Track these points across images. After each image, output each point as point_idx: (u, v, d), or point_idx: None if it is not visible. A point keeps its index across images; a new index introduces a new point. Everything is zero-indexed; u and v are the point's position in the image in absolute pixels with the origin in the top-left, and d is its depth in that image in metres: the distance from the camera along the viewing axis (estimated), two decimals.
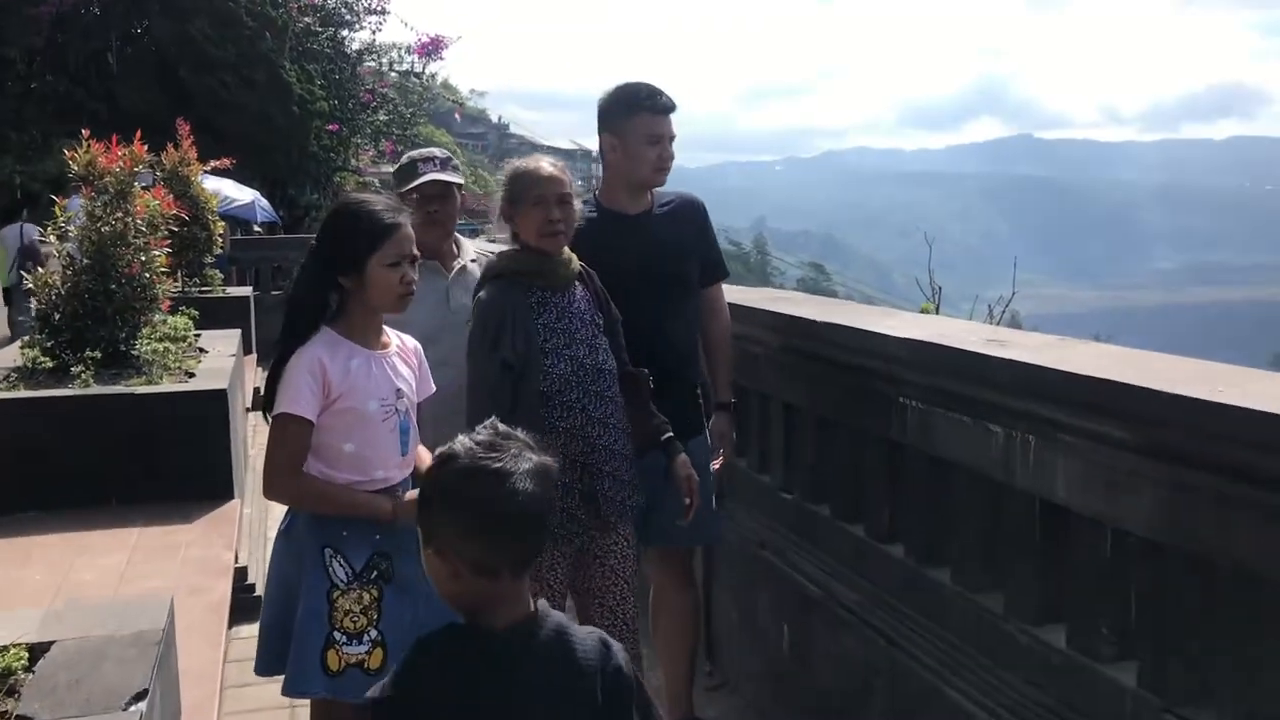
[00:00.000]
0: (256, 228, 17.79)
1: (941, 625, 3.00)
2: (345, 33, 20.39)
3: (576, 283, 3.13)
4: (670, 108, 3.46)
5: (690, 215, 3.63)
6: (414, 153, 3.68)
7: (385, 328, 2.79)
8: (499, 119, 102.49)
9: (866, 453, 3.42)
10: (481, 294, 3.06)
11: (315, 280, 2.66)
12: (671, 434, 3.20)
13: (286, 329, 2.64)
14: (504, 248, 3.36)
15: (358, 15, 20.12)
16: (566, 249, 3.08)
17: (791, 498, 3.90)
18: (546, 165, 3.08)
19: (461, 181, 3.68)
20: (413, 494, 2.49)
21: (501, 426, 1.68)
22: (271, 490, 2.63)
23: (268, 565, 2.85)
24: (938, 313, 12.86)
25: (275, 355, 2.67)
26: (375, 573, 2.67)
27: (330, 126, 19.20)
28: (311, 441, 2.61)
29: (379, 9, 19.94)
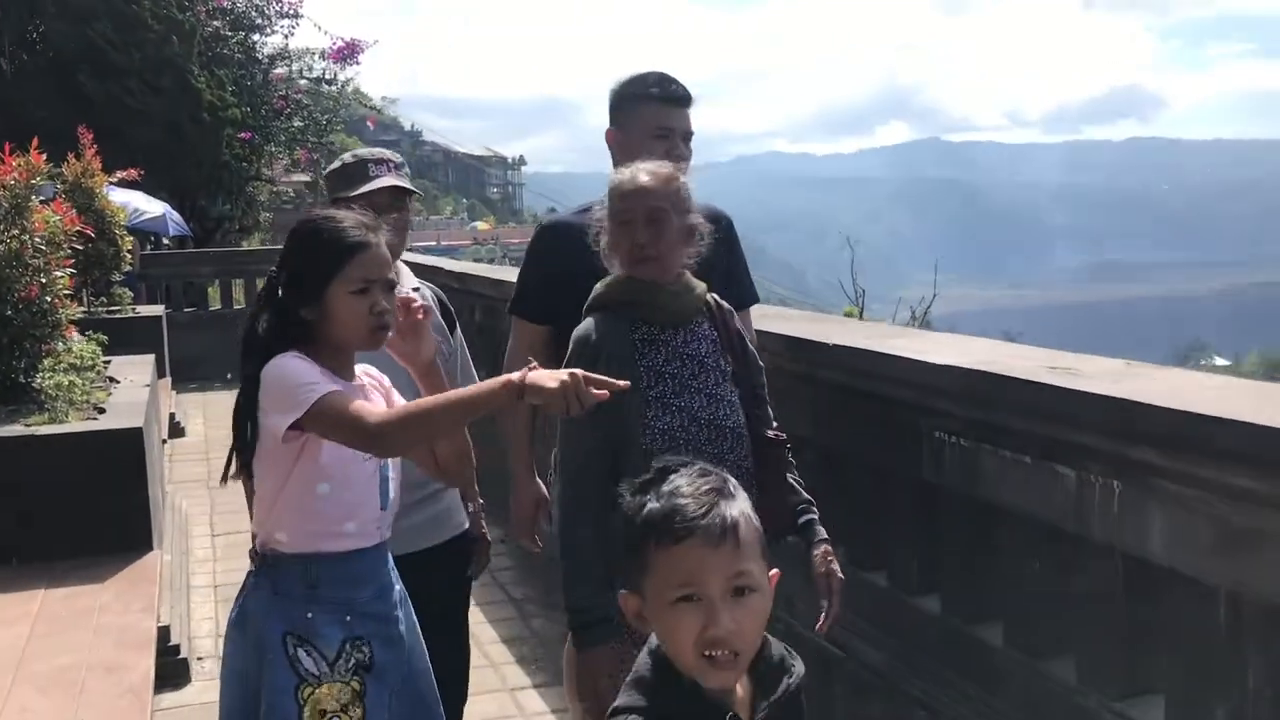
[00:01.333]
0: (166, 241, 16.94)
1: (991, 693, 2.62)
2: (256, 37, 19.60)
3: (703, 318, 2.58)
4: (683, 98, 3.00)
5: (713, 228, 3.17)
6: (361, 151, 3.01)
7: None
8: (411, 126, 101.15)
9: (890, 493, 3.03)
10: (577, 330, 2.51)
11: (273, 313, 2.18)
12: (814, 517, 2.58)
13: (245, 371, 2.16)
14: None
15: (269, 19, 19.34)
16: (690, 276, 2.55)
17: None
18: (642, 174, 2.50)
19: (418, 192, 3.07)
20: (539, 370, 1.92)
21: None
22: (388, 444, 2.06)
23: (206, 635, 2.34)
24: (861, 315, 12.65)
25: (237, 403, 2.19)
26: (353, 661, 2.19)
27: (242, 135, 18.40)
28: (279, 473, 2.14)
29: (291, 12, 19.20)
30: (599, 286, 2.56)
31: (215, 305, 13.93)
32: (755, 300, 3.27)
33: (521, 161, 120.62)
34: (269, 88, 19.53)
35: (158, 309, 10.69)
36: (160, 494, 5.90)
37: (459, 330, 3.11)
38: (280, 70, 19.92)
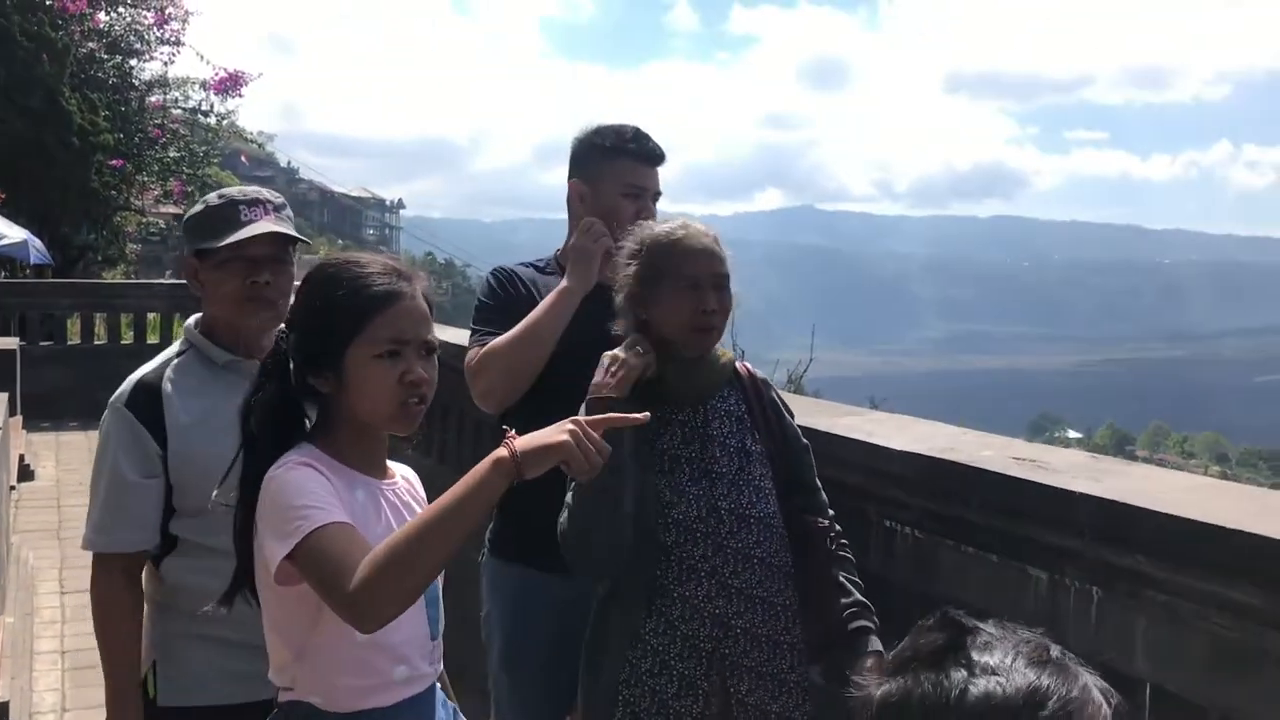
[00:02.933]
0: (25, 269, 15.96)
1: None
2: (134, 62, 18.78)
3: (729, 391, 2.31)
4: (658, 157, 2.80)
5: None
6: (230, 190, 2.39)
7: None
8: (288, 163, 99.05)
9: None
10: (584, 406, 2.17)
11: (282, 381, 1.76)
12: (869, 625, 2.20)
13: (247, 454, 1.74)
14: None
15: (149, 44, 18.57)
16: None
17: None
18: (700, 231, 2.24)
19: (305, 240, 2.47)
20: (525, 436, 1.54)
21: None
22: (369, 614, 1.53)
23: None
24: None
25: (235, 514, 1.75)
26: None
27: (114, 161, 17.53)
28: (301, 614, 1.67)
29: (173, 39, 18.48)
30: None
31: (74, 339, 13.12)
32: None
33: (400, 204, 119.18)
34: (145, 115, 18.72)
35: (11, 341, 9.97)
36: (4, 548, 5.37)
37: None
38: (156, 98, 19.13)
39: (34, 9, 16.42)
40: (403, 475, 1.89)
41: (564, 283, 2.63)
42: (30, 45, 15.96)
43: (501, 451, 1.52)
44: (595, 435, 1.54)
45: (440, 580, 1.77)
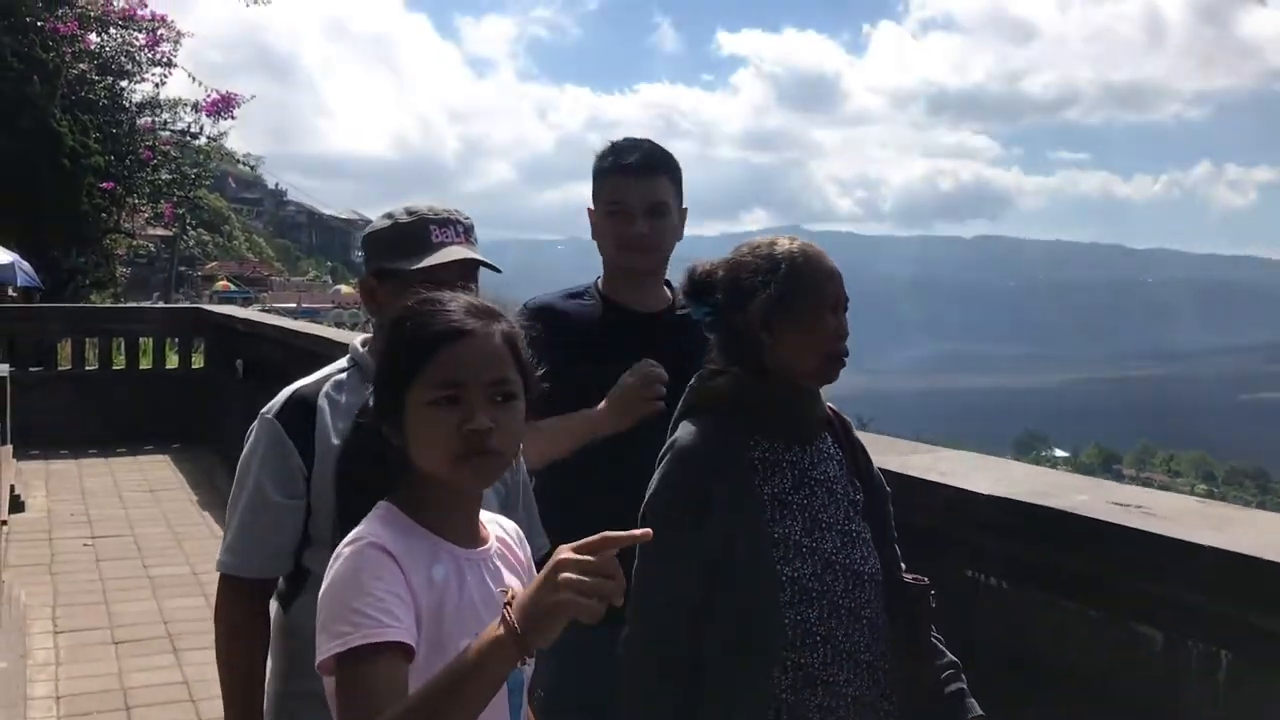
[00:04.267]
0: (12, 293, 15.69)
1: None
2: (125, 84, 18.56)
3: (826, 432, 2.08)
4: (635, 168, 2.57)
5: (695, 328, 2.68)
6: (420, 206, 2.14)
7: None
8: (276, 185, 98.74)
9: None
10: (678, 435, 1.98)
11: (360, 433, 1.59)
12: (963, 686, 2.03)
13: (341, 514, 1.55)
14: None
15: (140, 66, 18.36)
16: None
17: None
18: (825, 252, 2.04)
19: (494, 268, 2.18)
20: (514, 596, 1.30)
21: None
22: None
23: None
24: None
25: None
26: None
27: (104, 184, 17.30)
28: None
29: (165, 60, 18.27)
30: (699, 381, 2.04)
31: (65, 365, 12.86)
32: None
33: None
34: (135, 136, 18.50)
35: (1, 368, 9.73)
36: None
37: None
38: (146, 119, 18.93)
39: (25, 30, 16.24)
40: (499, 536, 1.65)
41: (599, 415, 2.43)
42: (21, 67, 15.76)
43: (498, 631, 1.26)
44: (594, 565, 1.26)
45: (532, 660, 1.51)
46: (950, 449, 2.91)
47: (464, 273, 2.05)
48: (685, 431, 1.98)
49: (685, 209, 2.70)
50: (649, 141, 2.65)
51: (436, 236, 2.09)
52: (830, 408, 2.12)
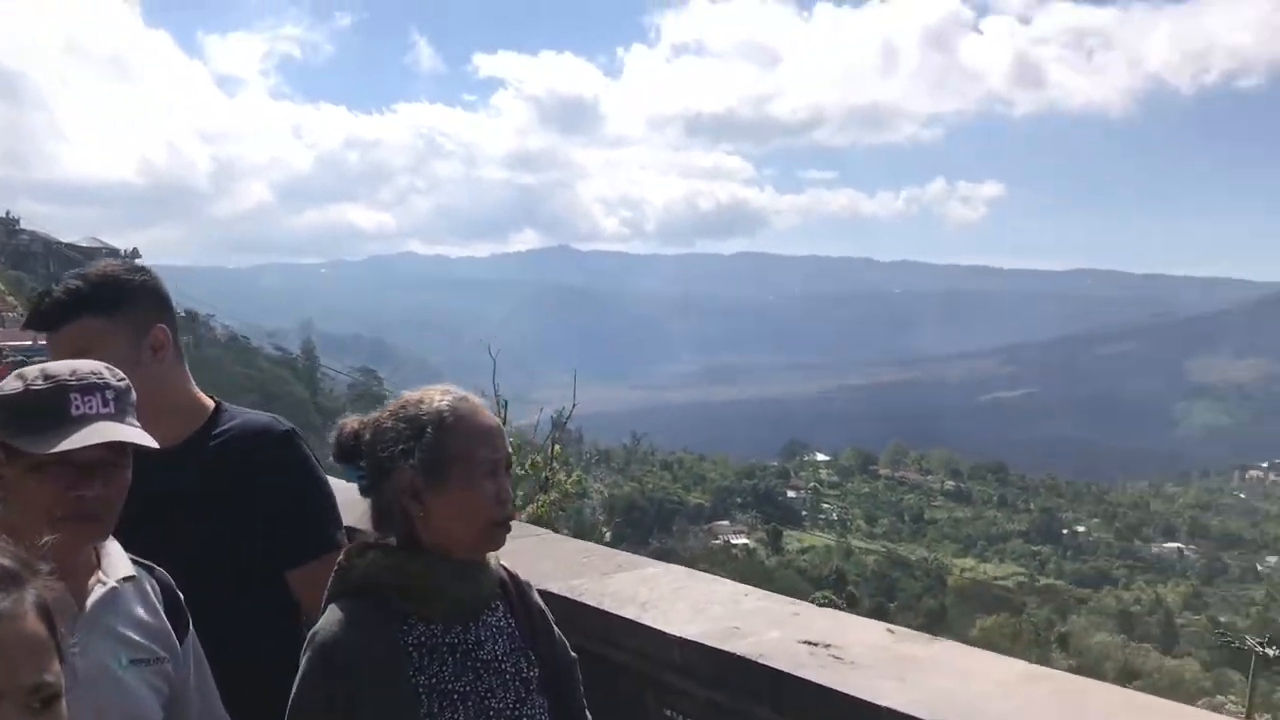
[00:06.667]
0: None
1: None
2: None
3: (497, 602, 1.88)
4: (44, 321, 2.16)
5: (252, 451, 2.22)
6: (57, 367, 1.76)
7: None
8: (7, 213, 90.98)
9: None
10: (319, 625, 1.77)
11: None
12: None
13: None
14: None
15: None
16: None
17: None
18: (481, 404, 1.87)
19: (150, 444, 1.77)
20: None
21: None
22: None
23: None
24: (505, 423, 12.32)
25: None
26: None
27: None
28: None
29: None
30: (346, 558, 1.83)
31: None
32: (332, 545, 2.17)
33: (135, 254, 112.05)
34: None
35: None
36: None
37: (192, 636, 1.91)
38: None
39: None
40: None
41: None
42: None
43: None
44: None
45: None
46: (656, 563, 2.79)
47: (111, 455, 1.74)
48: (327, 620, 1.75)
49: (162, 326, 2.23)
50: (71, 278, 2.21)
51: (77, 408, 1.72)
52: (504, 570, 1.93)
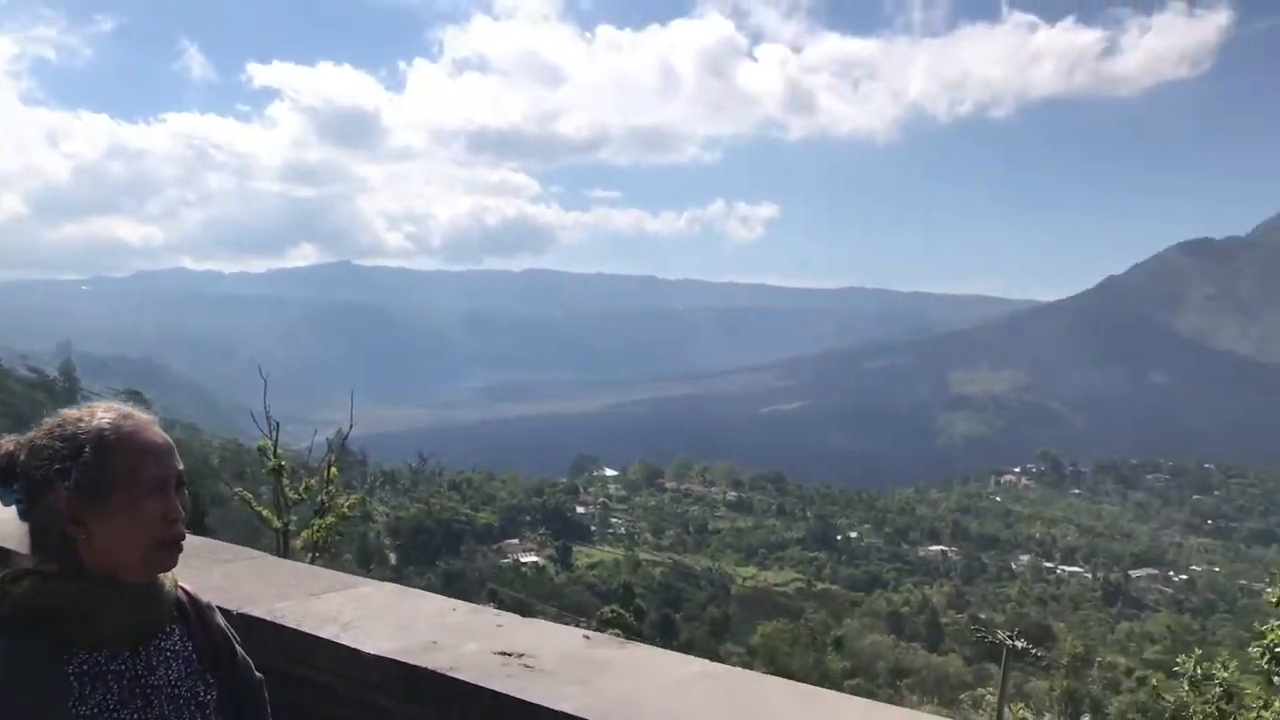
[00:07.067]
0: None
1: None
2: None
3: (172, 625, 1.82)
4: None
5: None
6: None
7: None
8: None
9: None
10: None
11: None
12: None
13: None
14: None
15: None
16: None
17: None
18: (150, 419, 1.79)
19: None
20: None
21: None
22: None
23: None
24: (276, 447, 11.92)
25: None
26: None
27: None
28: None
29: None
30: (0, 586, 1.72)
31: None
32: None
33: None
34: None
35: None
36: None
37: None
38: None
39: None
40: None
41: None
42: None
43: None
44: None
45: None
46: (371, 582, 2.78)
47: None
48: None
49: None
50: None
51: None
52: (184, 591, 1.89)
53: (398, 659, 2.16)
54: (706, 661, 2.11)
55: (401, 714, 2.23)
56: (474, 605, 2.55)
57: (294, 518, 11.20)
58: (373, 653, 2.20)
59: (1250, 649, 8.33)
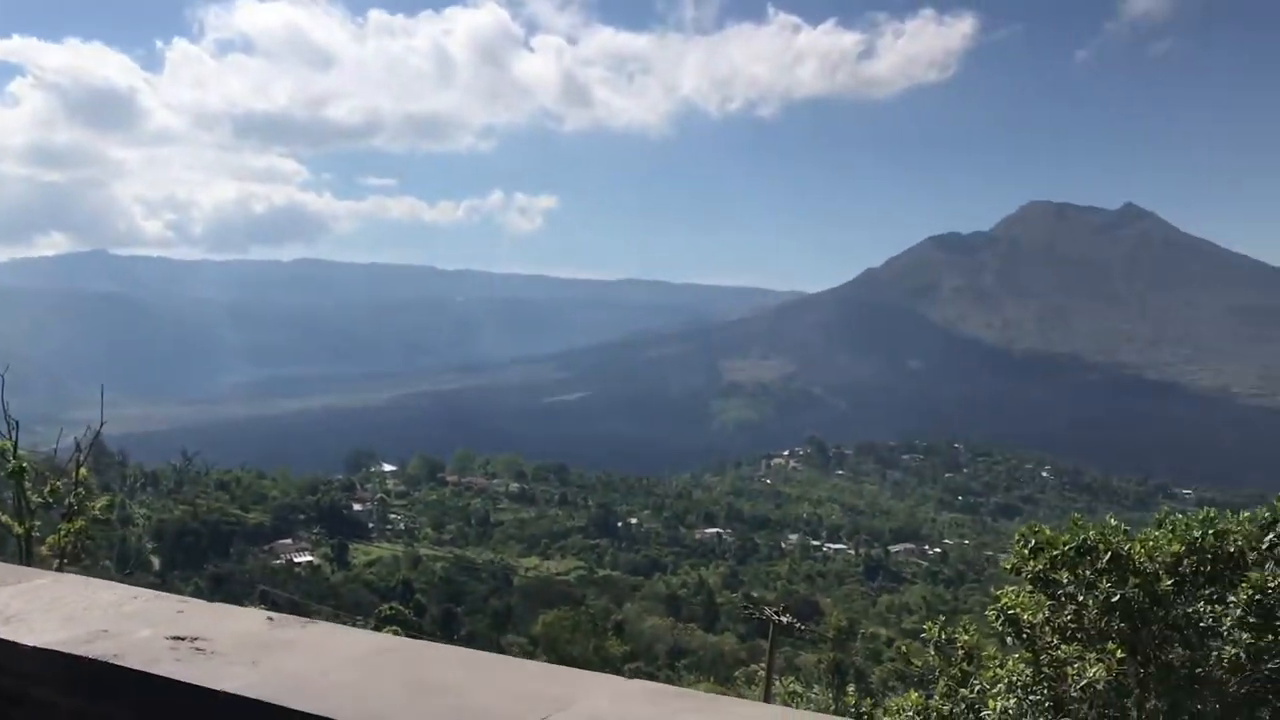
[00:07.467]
0: None
1: None
2: None
3: None
4: None
5: None
6: None
7: None
8: None
9: None
10: None
11: None
12: None
13: None
14: None
15: None
16: None
17: None
18: None
19: None
20: None
21: None
22: None
23: None
24: (16, 449, 11.10)
25: None
26: None
27: None
28: None
29: None
30: None
31: None
32: None
33: None
34: None
35: None
36: None
37: None
38: None
39: None
40: None
41: None
42: None
43: None
44: None
45: None
46: (49, 574, 2.61)
47: None
48: None
49: None
50: None
51: None
52: None
53: (59, 650, 2.04)
54: (388, 636, 2.10)
55: (68, 707, 2.11)
56: (160, 593, 2.44)
57: (39, 523, 10.58)
58: (32, 644, 2.07)
59: (987, 613, 8.96)
